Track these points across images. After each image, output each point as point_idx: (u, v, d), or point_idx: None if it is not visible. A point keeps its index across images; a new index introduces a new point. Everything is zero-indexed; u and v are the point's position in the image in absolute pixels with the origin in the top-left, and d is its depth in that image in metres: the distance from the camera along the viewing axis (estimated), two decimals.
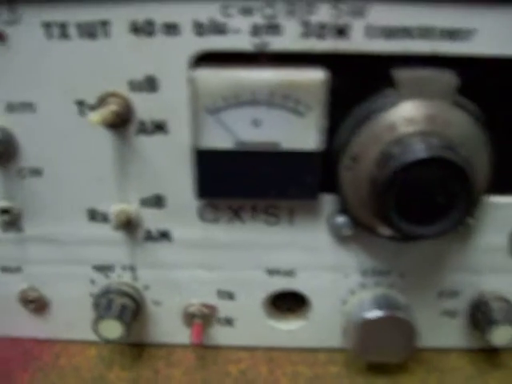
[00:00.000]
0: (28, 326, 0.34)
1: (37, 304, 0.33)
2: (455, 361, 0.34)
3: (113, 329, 0.31)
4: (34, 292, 0.33)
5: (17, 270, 0.33)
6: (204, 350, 0.34)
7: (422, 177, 0.26)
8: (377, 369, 0.33)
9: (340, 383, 0.32)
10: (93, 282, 0.33)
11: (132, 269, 0.32)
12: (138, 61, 0.27)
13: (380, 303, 0.31)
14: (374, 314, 0.30)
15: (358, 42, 0.26)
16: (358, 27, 0.26)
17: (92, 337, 0.34)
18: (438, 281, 0.32)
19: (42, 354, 0.34)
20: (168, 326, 0.34)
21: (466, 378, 0.33)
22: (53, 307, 0.34)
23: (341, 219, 0.30)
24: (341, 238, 0.31)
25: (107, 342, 0.31)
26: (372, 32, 0.26)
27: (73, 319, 0.34)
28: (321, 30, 0.26)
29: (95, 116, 0.26)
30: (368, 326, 0.31)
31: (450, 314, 0.33)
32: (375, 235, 0.30)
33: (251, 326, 0.34)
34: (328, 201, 0.30)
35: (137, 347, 0.34)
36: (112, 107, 0.27)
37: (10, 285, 0.33)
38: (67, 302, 0.33)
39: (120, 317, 0.31)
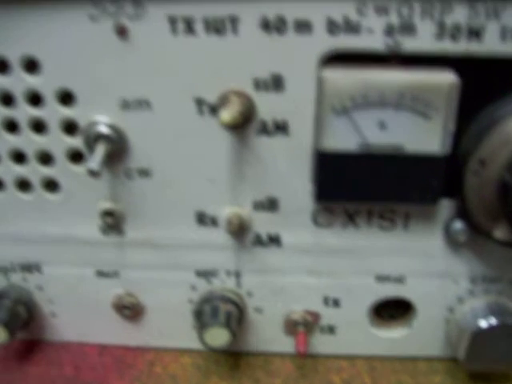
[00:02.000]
0: (119, 333, 0.33)
1: (132, 310, 0.32)
2: None
3: (219, 337, 0.30)
4: (131, 298, 0.32)
5: (113, 274, 0.31)
6: (302, 358, 0.33)
7: None
8: (480, 378, 0.32)
9: None
10: (193, 288, 0.31)
11: (237, 274, 0.31)
12: (265, 59, 0.26)
13: (494, 311, 0.30)
14: (490, 322, 0.30)
15: (492, 44, 0.26)
16: (492, 29, 0.26)
17: (185, 344, 0.33)
18: None
19: (135, 361, 0.32)
20: (267, 334, 0.33)
21: None
22: (148, 314, 0.32)
23: (458, 224, 0.29)
24: (454, 244, 0.30)
25: (212, 350, 0.30)
26: (507, 34, 0.26)
27: (167, 326, 0.33)
28: (455, 32, 0.26)
29: (227, 115, 0.25)
30: (482, 334, 0.30)
31: None
32: (491, 241, 0.29)
33: (353, 334, 0.33)
34: (445, 205, 0.29)
35: (232, 356, 0.33)
36: (237, 107, 0.26)
37: (105, 290, 0.32)
38: (164, 309, 0.32)
39: (227, 324, 0.30)
